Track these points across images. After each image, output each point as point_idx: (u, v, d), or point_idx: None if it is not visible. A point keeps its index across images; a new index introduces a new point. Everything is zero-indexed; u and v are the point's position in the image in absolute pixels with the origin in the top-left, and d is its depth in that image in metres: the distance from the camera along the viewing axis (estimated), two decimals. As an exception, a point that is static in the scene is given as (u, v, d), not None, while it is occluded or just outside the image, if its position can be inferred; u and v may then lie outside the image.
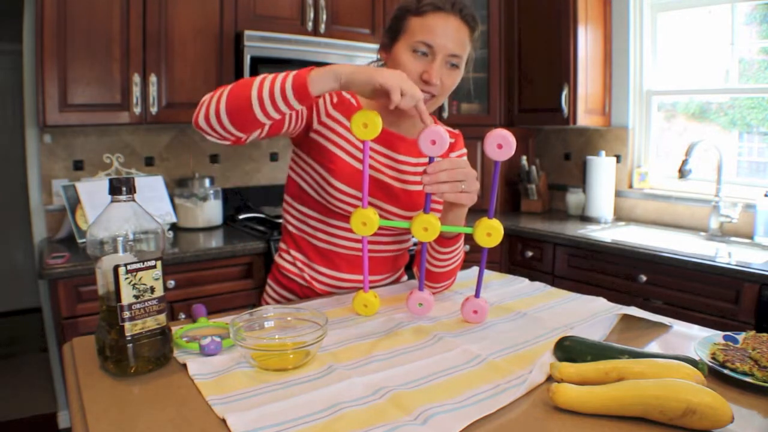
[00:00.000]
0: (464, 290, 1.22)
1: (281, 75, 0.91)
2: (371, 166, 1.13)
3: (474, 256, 2.24)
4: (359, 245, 1.15)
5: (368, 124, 0.93)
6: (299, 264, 1.21)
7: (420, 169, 1.17)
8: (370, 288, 1.12)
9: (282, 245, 1.26)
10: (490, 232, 0.96)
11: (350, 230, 1.15)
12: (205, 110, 0.96)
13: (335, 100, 1.14)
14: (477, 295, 1.02)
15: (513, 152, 0.92)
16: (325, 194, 1.13)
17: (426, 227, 0.96)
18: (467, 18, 1.06)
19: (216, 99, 0.95)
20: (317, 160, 1.13)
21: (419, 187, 1.17)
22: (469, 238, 1.04)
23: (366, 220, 0.97)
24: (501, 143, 0.92)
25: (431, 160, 0.96)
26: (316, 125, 1.13)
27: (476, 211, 1.23)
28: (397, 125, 1.17)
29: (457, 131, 1.27)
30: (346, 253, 1.18)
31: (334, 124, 1.13)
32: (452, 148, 1.23)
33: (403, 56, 1.06)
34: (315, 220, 1.18)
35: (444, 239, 1.09)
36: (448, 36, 1.04)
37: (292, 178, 1.21)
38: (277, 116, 0.93)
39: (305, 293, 1.21)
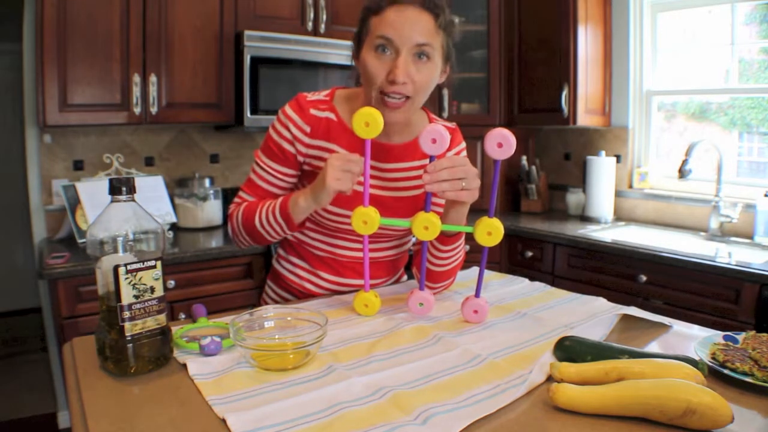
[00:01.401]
0: (464, 290, 1.22)
1: (270, 216, 1.06)
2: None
3: (474, 256, 2.24)
4: (360, 254, 1.14)
5: (370, 122, 0.93)
6: (299, 271, 1.20)
7: (409, 174, 1.15)
8: (371, 288, 1.11)
9: (281, 252, 1.26)
10: (491, 231, 0.96)
11: (349, 239, 1.16)
12: (233, 236, 1.17)
13: (308, 129, 1.10)
14: (477, 295, 1.02)
15: (513, 151, 0.92)
16: (315, 214, 1.13)
17: (427, 226, 0.96)
18: (428, 5, 1.00)
19: (238, 231, 1.14)
20: (308, 183, 1.12)
21: (410, 192, 1.16)
22: (469, 238, 1.04)
23: (367, 219, 0.97)
24: (501, 142, 0.92)
25: (432, 158, 0.96)
26: (301, 159, 1.12)
27: (476, 211, 1.23)
28: (382, 135, 1.11)
29: (453, 125, 1.23)
30: (348, 261, 1.18)
31: (316, 151, 1.11)
32: (451, 143, 1.20)
33: (368, 59, 1.01)
34: (313, 231, 1.18)
35: (445, 238, 1.08)
36: (407, 27, 0.98)
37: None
38: (281, 235, 1.09)
39: (305, 295, 1.21)
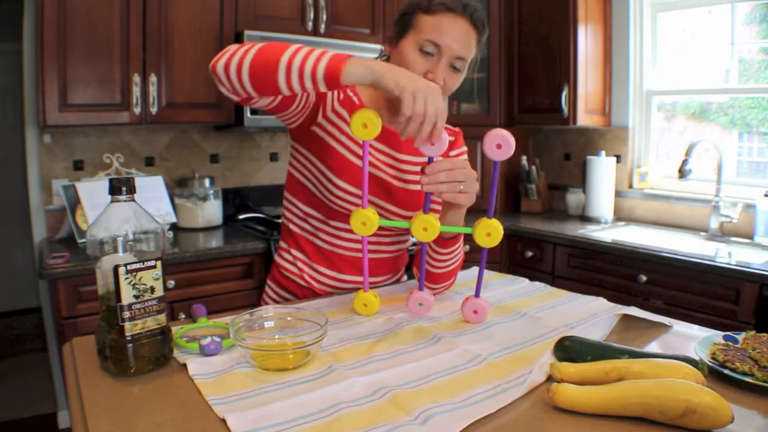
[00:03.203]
0: (464, 290, 1.22)
1: (316, 52, 0.90)
2: (372, 164, 1.13)
3: (474, 256, 2.24)
4: (360, 246, 1.14)
5: (368, 124, 0.93)
6: (299, 264, 1.21)
7: (419, 168, 1.17)
8: (370, 288, 1.11)
9: (282, 244, 1.26)
10: (490, 232, 0.96)
11: (352, 231, 1.16)
12: (227, 59, 0.95)
13: (341, 96, 1.13)
14: (477, 295, 1.02)
15: (512, 152, 0.92)
16: (325, 191, 1.12)
17: (425, 227, 0.96)
18: (477, 22, 1.06)
19: (242, 52, 0.94)
20: (318, 156, 1.12)
21: (418, 187, 1.16)
22: (468, 238, 1.04)
23: (365, 220, 0.97)
24: (500, 143, 0.92)
25: (431, 159, 0.96)
26: (320, 119, 1.12)
27: (476, 211, 1.23)
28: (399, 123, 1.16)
29: (456, 129, 1.26)
30: (348, 254, 1.18)
31: (338, 119, 1.12)
32: (452, 146, 1.23)
33: (410, 53, 1.05)
34: (316, 219, 1.17)
35: (443, 239, 1.08)
36: (456, 38, 1.03)
37: (293, 174, 1.20)
38: (299, 91, 0.92)
39: (305, 294, 1.21)
